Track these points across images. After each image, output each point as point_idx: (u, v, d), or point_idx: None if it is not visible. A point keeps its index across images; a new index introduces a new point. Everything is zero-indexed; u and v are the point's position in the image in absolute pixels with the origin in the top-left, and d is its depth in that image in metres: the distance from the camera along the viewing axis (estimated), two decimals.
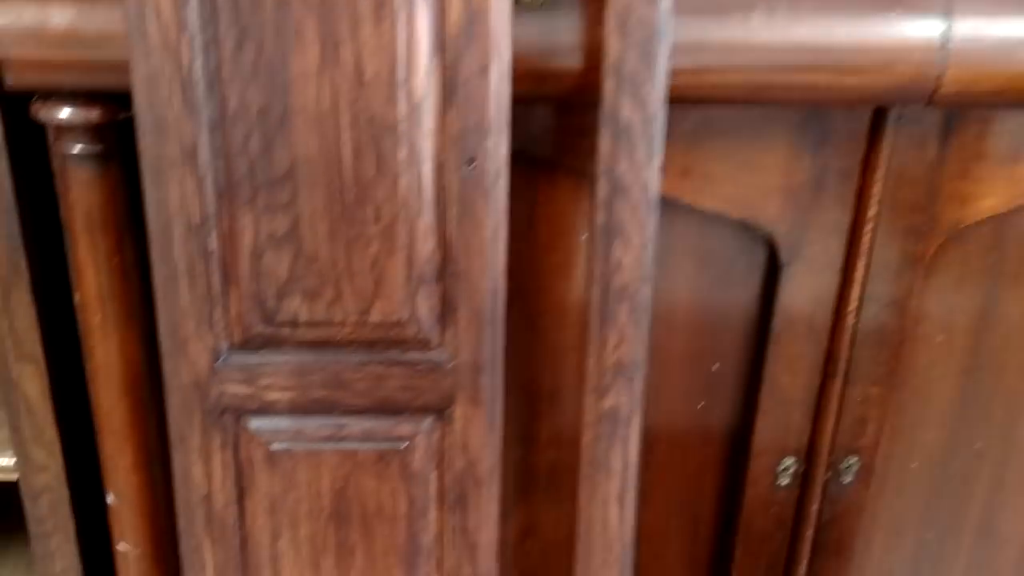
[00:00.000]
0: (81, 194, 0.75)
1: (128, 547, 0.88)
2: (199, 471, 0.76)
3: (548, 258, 0.89)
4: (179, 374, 0.74)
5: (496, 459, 0.79)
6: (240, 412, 0.76)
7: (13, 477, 0.90)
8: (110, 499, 0.87)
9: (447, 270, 0.73)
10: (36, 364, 0.84)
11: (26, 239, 0.79)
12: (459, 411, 0.77)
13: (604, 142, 0.69)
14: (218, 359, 0.74)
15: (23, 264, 0.79)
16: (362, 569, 0.81)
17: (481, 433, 0.78)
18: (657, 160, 0.70)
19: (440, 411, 0.77)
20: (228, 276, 0.71)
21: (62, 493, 0.90)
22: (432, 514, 0.81)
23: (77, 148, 0.73)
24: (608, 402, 0.76)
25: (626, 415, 0.76)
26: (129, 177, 0.77)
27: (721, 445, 1.00)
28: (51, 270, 0.82)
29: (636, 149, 0.69)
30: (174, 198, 0.69)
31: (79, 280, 0.79)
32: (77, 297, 0.80)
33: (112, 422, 0.83)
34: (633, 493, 0.79)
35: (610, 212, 0.71)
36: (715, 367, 0.96)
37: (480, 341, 0.75)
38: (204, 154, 0.68)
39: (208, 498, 0.77)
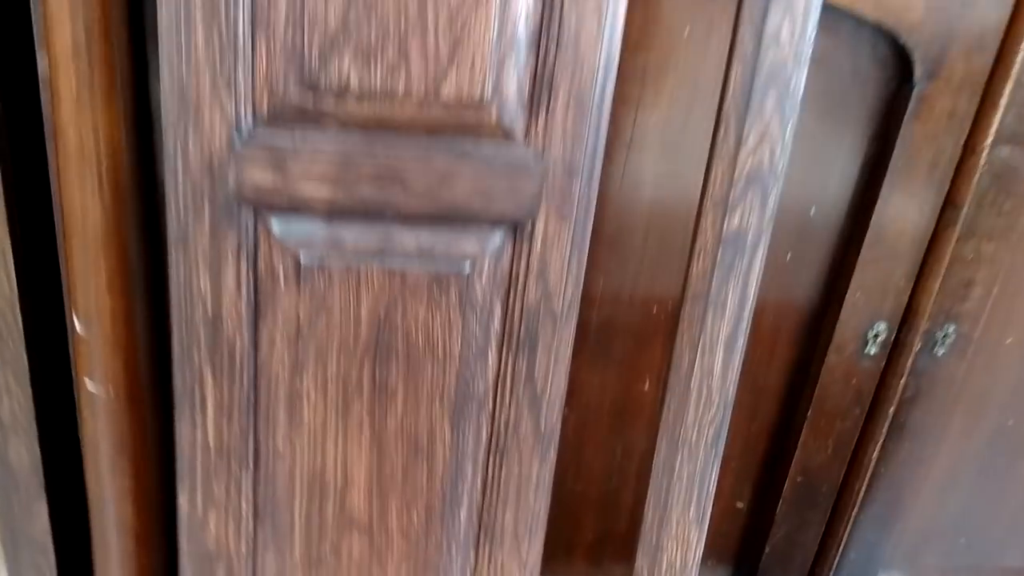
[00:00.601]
0: None
1: (97, 386, 0.71)
2: (204, 283, 0.59)
3: (632, 60, 0.72)
4: (185, 152, 0.56)
5: (578, 291, 0.64)
6: (263, 209, 0.59)
7: None
8: (77, 327, 0.69)
9: (548, 33, 0.56)
10: None
11: None
12: (541, 226, 0.61)
13: None
14: (238, 133, 0.56)
15: None
16: (400, 416, 0.66)
17: (564, 256, 0.62)
18: None
19: (516, 225, 0.61)
20: (258, 19, 0.54)
21: (12, 319, 0.72)
22: (492, 355, 0.65)
23: None
24: (734, 221, 0.60)
25: (753, 241, 0.61)
26: None
27: (802, 306, 0.86)
28: (9, 21, 0.63)
29: None
30: None
31: (48, 34, 0.60)
32: (44, 61, 0.61)
33: (84, 227, 0.65)
34: (744, 339, 0.64)
35: None
36: (812, 211, 0.81)
37: (578, 136, 0.58)
38: None
39: (215, 319, 0.60)
